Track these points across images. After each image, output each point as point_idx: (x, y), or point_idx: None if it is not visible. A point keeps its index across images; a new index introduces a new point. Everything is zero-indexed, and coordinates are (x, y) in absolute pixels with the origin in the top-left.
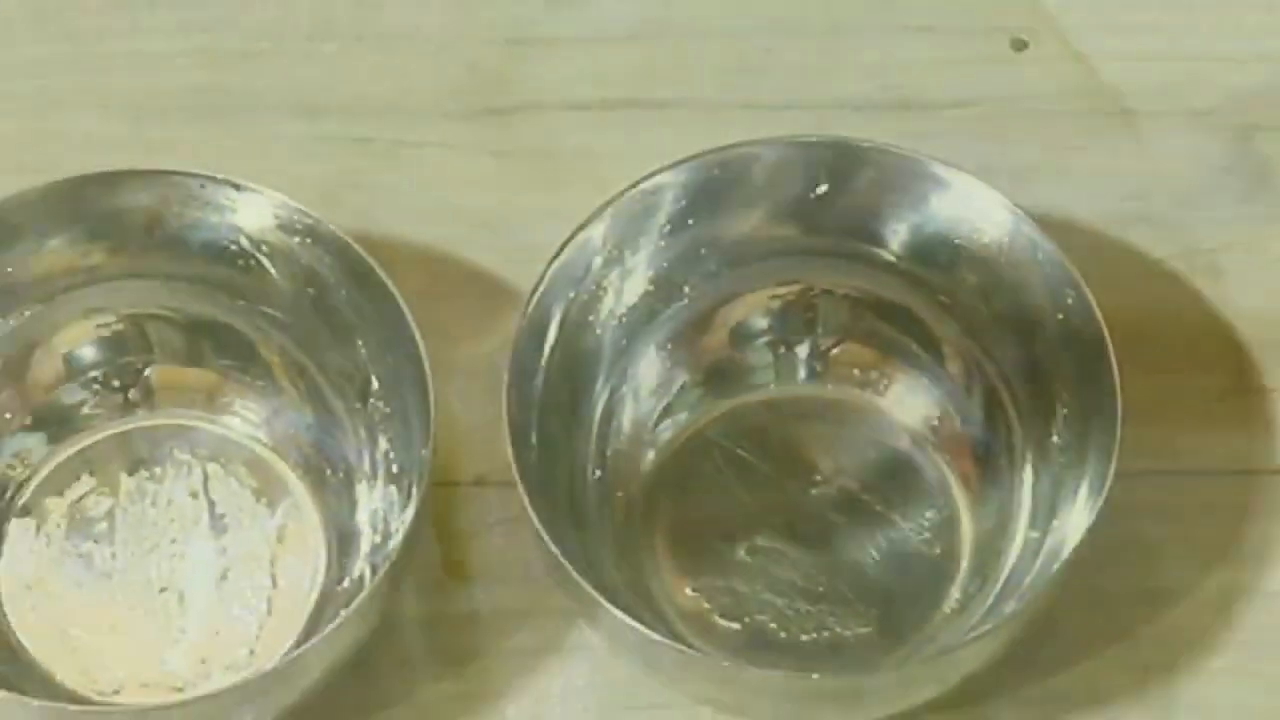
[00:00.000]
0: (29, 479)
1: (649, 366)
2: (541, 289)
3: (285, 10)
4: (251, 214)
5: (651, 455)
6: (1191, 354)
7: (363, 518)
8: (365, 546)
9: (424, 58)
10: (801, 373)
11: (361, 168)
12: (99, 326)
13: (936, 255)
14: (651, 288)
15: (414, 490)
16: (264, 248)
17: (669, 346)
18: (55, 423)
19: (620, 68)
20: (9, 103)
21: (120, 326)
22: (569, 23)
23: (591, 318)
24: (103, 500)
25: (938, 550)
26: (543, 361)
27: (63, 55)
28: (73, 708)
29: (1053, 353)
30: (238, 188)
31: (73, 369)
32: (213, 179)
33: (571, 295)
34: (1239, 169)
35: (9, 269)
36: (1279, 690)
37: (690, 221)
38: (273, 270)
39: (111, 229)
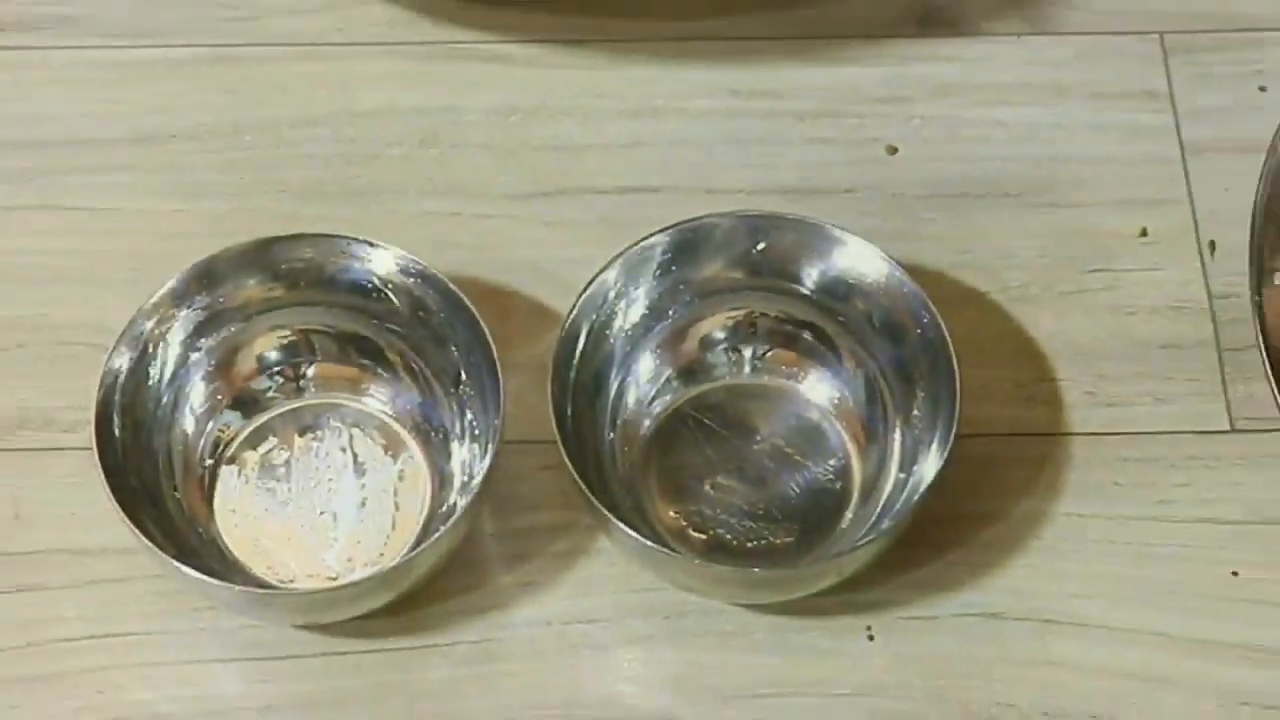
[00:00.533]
0: (233, 440)
1: (646, 364)
2: (574, 312)
3: (403, 128)
4: (381, 263)
5: (648, 423)
6: (1007, 356)
7: (455, 465)
8: (457, 484)
9: (497, 160)
10: (747, 368)
11: (456, 232)
12: (280, 337)
13: (837, 290)
14: (647, 311)
15: (489, 447)
16: (390, 285)
17: (659, 351)
18: (249, 403)
19: (626, 166)
20: (218, 189)
21: (294, 338)
22: (593, 137)
23: (608, 332)
24: (282, 453)
25: (838, 486)
26: (575, 361)
27: (254, 158)
28: (260, 590)
29: (914, 355)
30: (372, 245)
31: (262, 366)
32: (355, 239)
33: (594, 317)
34: (1038, 233)
35: (221, 299)
36: (1065, 580)
37: (674, 268)
38: (395, 300)
39: (289, 273)
